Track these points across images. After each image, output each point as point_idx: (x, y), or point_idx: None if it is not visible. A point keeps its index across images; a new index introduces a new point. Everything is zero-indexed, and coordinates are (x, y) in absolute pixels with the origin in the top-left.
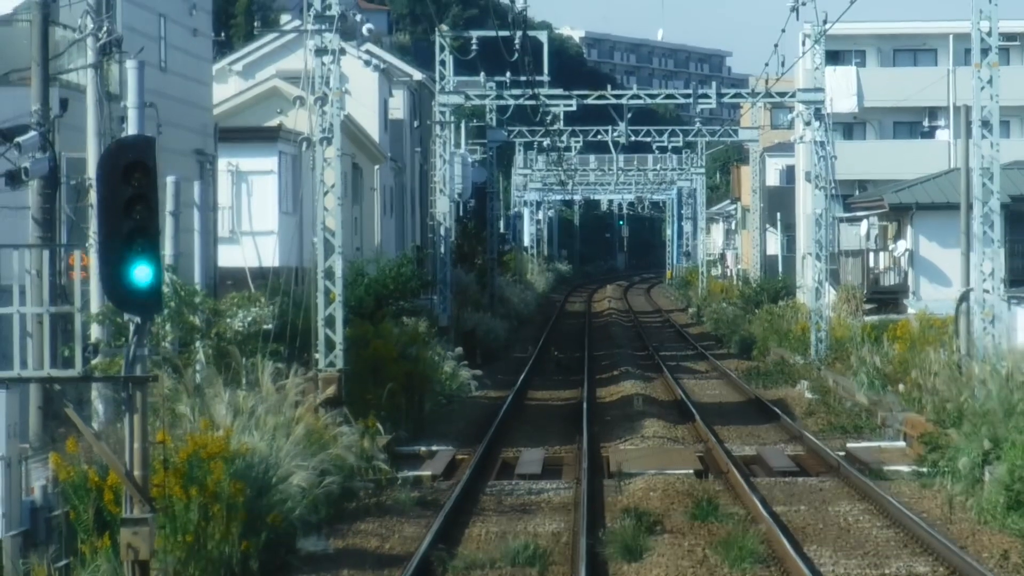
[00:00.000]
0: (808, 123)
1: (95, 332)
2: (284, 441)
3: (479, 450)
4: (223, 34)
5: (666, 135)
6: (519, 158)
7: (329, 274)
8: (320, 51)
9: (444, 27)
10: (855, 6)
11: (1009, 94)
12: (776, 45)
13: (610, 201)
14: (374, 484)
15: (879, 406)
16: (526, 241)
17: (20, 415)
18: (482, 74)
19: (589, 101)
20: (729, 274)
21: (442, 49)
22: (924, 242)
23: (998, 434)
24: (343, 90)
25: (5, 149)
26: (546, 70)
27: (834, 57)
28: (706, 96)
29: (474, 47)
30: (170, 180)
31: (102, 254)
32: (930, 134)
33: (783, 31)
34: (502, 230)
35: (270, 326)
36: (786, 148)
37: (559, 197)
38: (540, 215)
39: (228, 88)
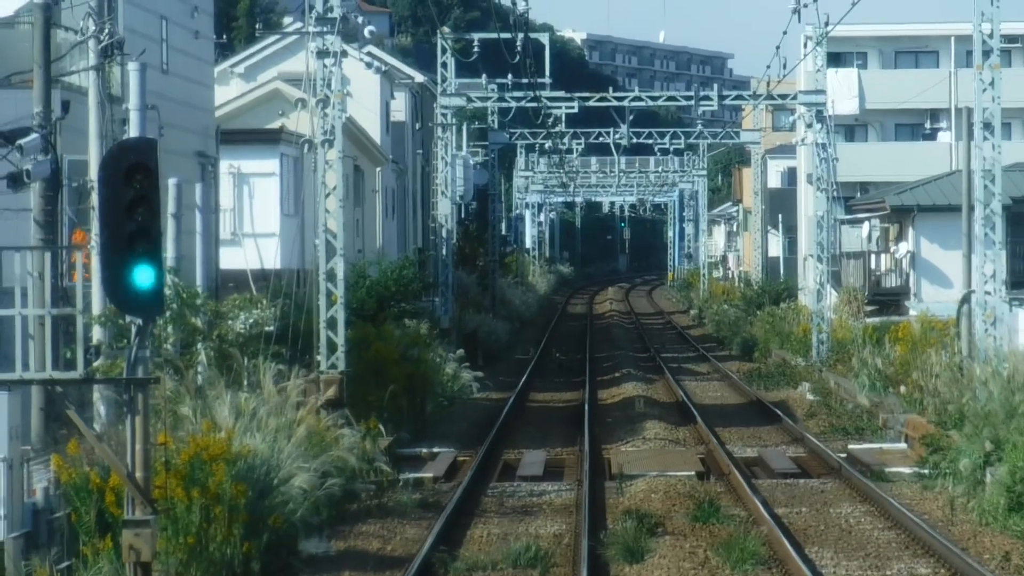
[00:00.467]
0: (810, 125)
1: (97, 334)
2: (286, 443)
3: (481, 452)
4: (225, 36)
5: (668, 137)
6: (521, 160)
7: (331, 276)
8: (322, 53)
9: (446, 29)
10: (857, 8)
11: (1010, 96)
12: (778, 47)
13: (612, 203)
14: (376, 486)
15: (880, 408)
16: (528, 243)
17: (22, 417)
18: (484, 76)
19: (591, 103)
20: (731, 276)
21: (444, 51)
22: (926, 244)
23: (999, 436)
24: (345, 92)
25: (7, 151)
26: (548, 72)
27: (836, 59)
28: (708, 98)
29: (476, 49)
30: (172, 182)
31: (104, 256)
32: (932, 136)
33: (785, 33)
34: (504, 232)
35: (272, 328)
36: (788, 150)
37: (561, 199)
38: (542, 217)
39: (230, 90)
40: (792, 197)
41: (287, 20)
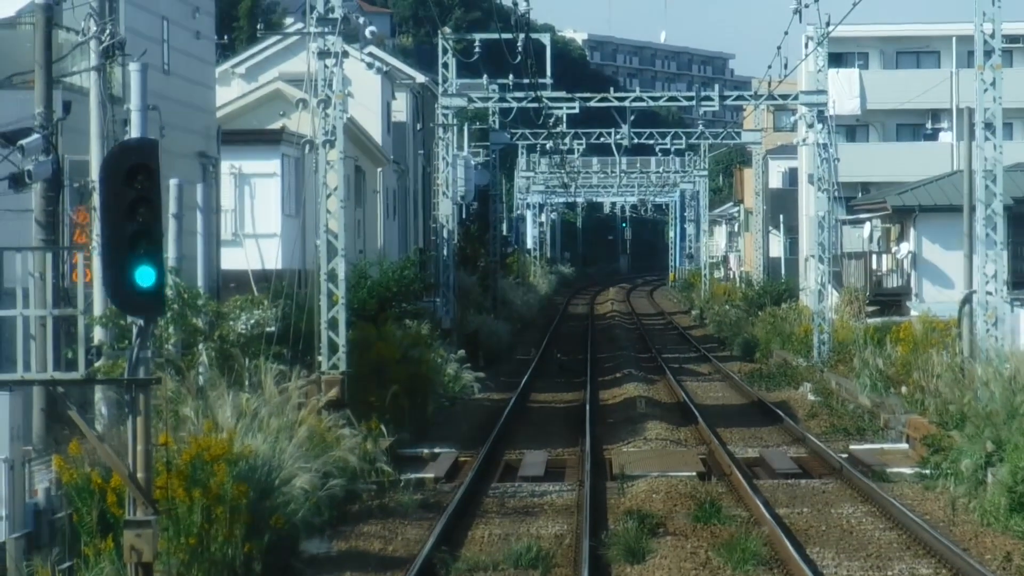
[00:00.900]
0: (811, 125)
1: (98, 335)
2: (287, 443)
3: (482, 452)
4: (226, 37)
5: (669, 137)
6: (522, 161)
7: (332, 276)
8: (323, 54)
9: (447, 30)
10: (858, 8)
11: (1012, 96)
12: (779, 47)
13: (613, 204)
14: (377, 486)
15: (882, 408)
16: (529, 244)
17: (23, 418)
18: (485, 77)
19: (592, 104)
20: (732, 276)
21: (445, 52)
22: (927, 244)
23: (1001, 436)
24: (346, 93)
25: (8, 152)
26: (549, 73)
27: (837, 59)
28: (709, 99)
29: (477, 50)
30: (173, 183)
31: (105, 257)
32: (933, 136)
33: (786, 33)
34: (505, 233)
35: (273, 328)
36: (789, 150)
37: (562, 199)
38: (543, 218)
39: (231, 91)
40: (793, 197)
41: (288, 21)
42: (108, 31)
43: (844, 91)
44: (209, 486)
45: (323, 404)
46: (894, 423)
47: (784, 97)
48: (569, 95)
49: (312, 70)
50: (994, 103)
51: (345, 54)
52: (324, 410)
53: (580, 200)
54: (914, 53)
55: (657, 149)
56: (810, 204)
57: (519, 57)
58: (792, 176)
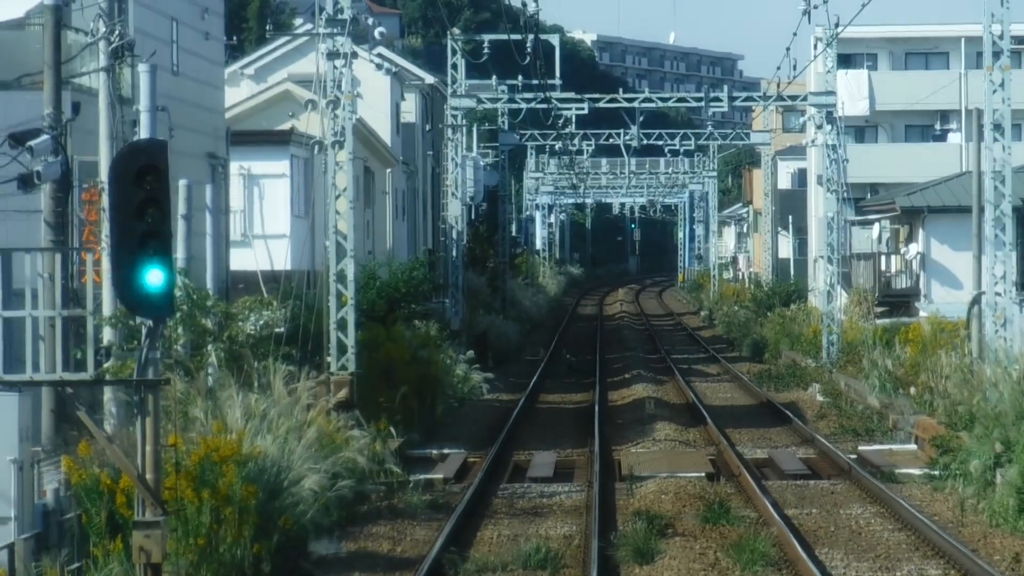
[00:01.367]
0: (820, 126)
1: (107, 335)
2: (296, 444)
3: (491, 453)
4: (235, 38)
5: (678, 138)
6: (531, 161)
7: (341, 277)
8: (332, 55)
9: (456, 31)
10: (867, 10)
11: (1021, 97)
12: (788, 48)
13: (622, 204)
14: (386, 487)
15: (891, 409)
16: (538, 244)
17: (33, 418)
18: (494, 78)
19: (601, 104)
20: (741, 277)
21: (454, 53)
22: (936, 245)
23: (1010, 437)
24: (355, 93)
25: (18, 153)
26: (558, 74)
27: (846, 60)
28: (718, 99)
29: (486, 51)
30: (182, 183)
31: (114, 258)
32: (942, 137)
33: (795, 34)
34: (514, 233)
35: (282, 329)
36: (798, 151)
37: (571, 200)
38: (552, 218)
39: (240, 92)
40: (802, 198)
41: (297, 22)
42: (117, 32)
43: (853, 92)
44: (218, 487)
45: (332, 405)
46: (903, 424)
47: (793, 98)
48: (578, 96)
49: (321, 71)
50: (1003, 104)
51: (354, 55)
52: (333, 411)
53: (589, 201)
54: (923, 54)
55: (666, 150)
56: (819, 205)
57: (528, 58)
58: (801, 177)
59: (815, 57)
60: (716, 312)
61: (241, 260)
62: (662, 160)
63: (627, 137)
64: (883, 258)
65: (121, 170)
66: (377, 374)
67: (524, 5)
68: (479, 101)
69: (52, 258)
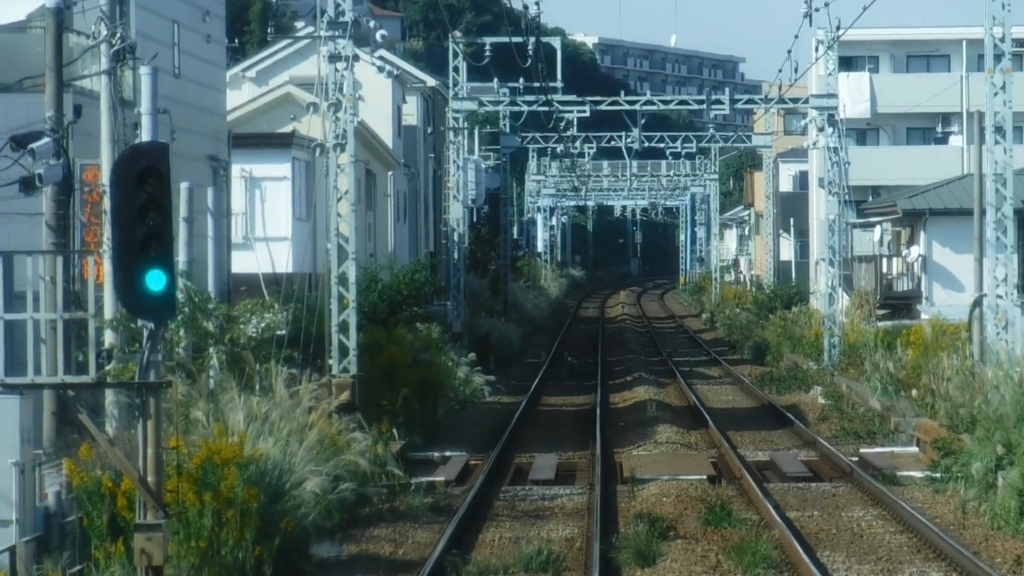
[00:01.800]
0: (821, 129)
1: (109, 338)
2: (298, 447)
3: (492, 455)
4: (237, 41)
5: (679, 141)
6: (532, 164)
7: (343, 280)
8: (333, 57)
9: (457, 33)
10: (868, 12)
11: (1022, 99)
12: (789, 51)
13: (623, 207)
14: (388, 490)
15: (892, 411)
16: (539, 247)
17: (34, 421)
18: (495, 80)
19: (602, 107)
20: (742, 280)
21: (455, 55)
22: (937, 248)
23: (1011, 439)
24: (356, 96)
25: (19, 155)
26: (559, 76)
27: (847, 63)
28: (719, 102)
29: (487, 53)
30: (184, 186)
31: (116, 260)
32: (943, 140)
33: (796, 37)
34: (515, 236)
35: (284, 332)
36: (799, 154)
37: (572, 203)
38: (553, 221)
39: (242, 94)
40: (804, 201)
41: (299, 24)
42: (119, 35)
43: (854, 95)
44: (220, 490)
45: (334, 407)
46: (904, 426)
47: (794, 101)
48: (580, 99)
49: (323, 74)
50: (1004, 107)
51: (356, 58)
52: (335, 413)
53: (591, 203)
54: (924, 57)
55: (667, 152)
56: (820, 207)
57: (529, 61)
58: (803, 179)
59: (816, 60)
60: (718, 315)
61: (243, 263)
62: (663, 163)
63: (628, 140)
64: (884, 261)
65: (123, 173)
66: (379, 377)
67: (525, 8)
68: (480, 104)
69: (53, 261)
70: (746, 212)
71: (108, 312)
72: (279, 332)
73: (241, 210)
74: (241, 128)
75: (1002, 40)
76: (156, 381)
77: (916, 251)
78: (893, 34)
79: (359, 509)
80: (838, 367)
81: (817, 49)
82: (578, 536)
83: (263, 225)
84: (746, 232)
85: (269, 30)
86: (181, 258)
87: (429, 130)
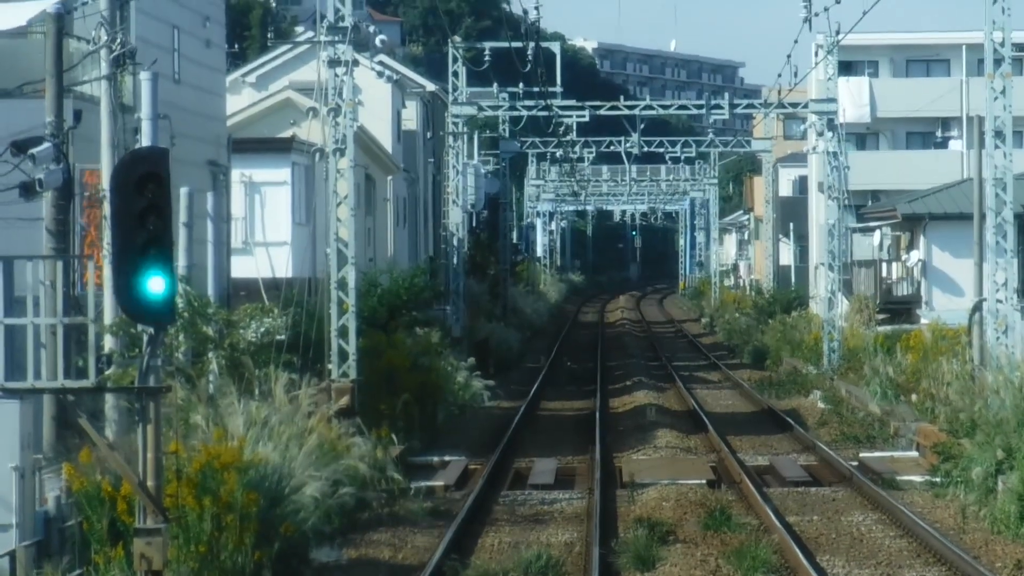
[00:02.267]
0: (821, 133)
1: (109, 343)
2: (297, 451)
3: (492, 460)
4: (236, 46)
5: (679, 146)
6: (532, 169)
7: (342, 285)
8: (333, 62)
9: (457, 38)
10: (868, 17)
11: (1022, 104)
12: (789, 56)
13: (623, 212)
14: (387, 494)
15: (892, 416)
16: (539, 252)
17: (34, 426)
18: (495, 85)
19: (602, 112)
20: (742, 284)
21: (455, 60)
22: (937, 252)
23: (1011, 444)
24: (356, 101)
25: (19, 161)
26: (559, 81)
27: (847, 68)
28: (719, 107)
29: (487, 58)
30: (183, 191)
31: (116, 265)
32: (943, 144)
33: (796, 42)
34: (515, 241)
35: (283, 337)
36: (799, 158)
37: (572, 208)
38: (553, 226)
39: (241, 99)
40: (803, 205)
41: (299, 29)
42: (119, 40)
43: (854, 99)
44: (219, 494)
45: (333, 412)
46: (904, 431)
47: (794, 105)
48: (579, 103)
49: (322, 79)
50: (1004, 111)
51: (355, 63)
52: (334, 418)
53: (590, 208)
54: (924, 61)
55: (667, 157)
56: (820, 212)
57: (529, 66)
58: (802, 184)
59: (816, 64)
60: (717, 319)
61: (242, 267)
62: (663, 167)
63: (628, 144)
64: (884, 265)
65: (123, 178)
66: (378, 381)
67: (525, 13)
68: (480, 109)
69: (53, 266)
70: (746, 217)
71: (108, 317)
72: (279, 337)
73: (241, 215)
74: (241, 133)
75: (1002, 44)
76: (156, 386)
77: (916, 255)
78: (893, 38)
79: (358, 514)
80: (838, 371)
81: (817, 54)
82: (577, 540)
83: (263, 230)
84: (745, 237)
85: (269, 35)
86: (181, 263)
87: (429, 135)
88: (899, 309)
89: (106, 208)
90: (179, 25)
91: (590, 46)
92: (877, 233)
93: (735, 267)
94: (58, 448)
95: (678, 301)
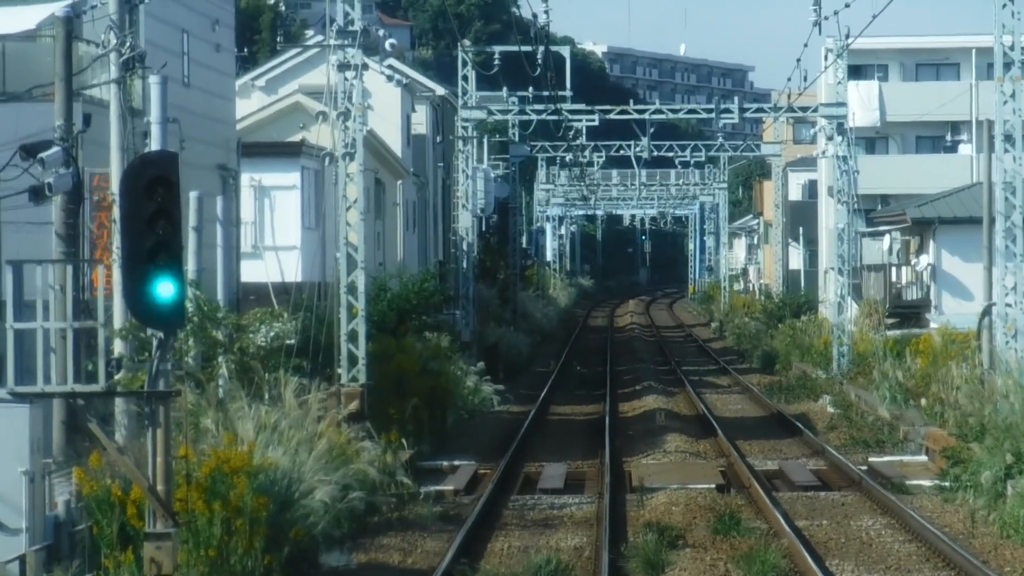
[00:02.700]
0: (830, 138)
1: (118, 347)
2: (307, 456)
3: (501, 464)
4: (246, 49)
5: (688, 150)
6: (542, 173)
7: (352, 289)
8: (343, 66)
9: (466, 42)
10: (878, 21)
11: None
12: (799, 60)
13: (632, 216)
14: (396, 499)
15: (901, 420)
16: (548, 256)
17: (44, 430)
18: (504, 89)
19: (611, 116)
20: (751, 289)
21: (464, 64)
22: (947, 256)
23: (1021, 448)
24: (365, 105)
25: (29, 164)
26: (568, 85)
27: (856, 72)
28: (728, 111)
29: (496, 62)
30: (193, 195)
31: (125, 269)
32: (953, 148)
33: (805, 46)
34: (524, 245)
35: (293, 341)
36: (808, 163)
37: (581, 212)
38: (562, 230)
39: (251, 103)
40: (813, 210)
41: (308, 33)
42: (128, 44)
43: (864, 103)
44: (229, 498)
45: (343, 416)
46: (913, 435)
47: (804, 109)
48: (589, 107)
49: (332, 83)
50: (1014, 115)
51: (365, 66)
52: (344, 422)
53: (600, 212)
54: (934, 65)
55: (677, 161)
56: (830, 216)
57: (539, 69)
58: (812, 188)
59: (826, 68)
60: (727, 324)
61: (252, 272)
62: (672, 171)
63: (638, 148)
64: (894, 269)
65: (132, 182)
66: (388, 386)
67: (535, 17)
68: (490, 113)
69: (63, 270)
70: (755, 221)
71: (118, 321)
72: (288, 341)
73: (250, 219)
74: (250, 137)
75: (1012, 48)
76: (166, 390)
77: (925, 260)
78: (902, 43)
79: (368, 518)
80: (847, 376)
81: (826, 58)
82: (587, 545)
83: (272, 234)
84: (755, 241)
85: (279, 39)
86: (190, 267)
87: (438, 139)
88: (908, 313)
89: (115, 212)
90: (188, 29)
91: (600, 50)
92: (887, 237)
93: (744, 271)
94: (68, 452)
95: (688, 306)
